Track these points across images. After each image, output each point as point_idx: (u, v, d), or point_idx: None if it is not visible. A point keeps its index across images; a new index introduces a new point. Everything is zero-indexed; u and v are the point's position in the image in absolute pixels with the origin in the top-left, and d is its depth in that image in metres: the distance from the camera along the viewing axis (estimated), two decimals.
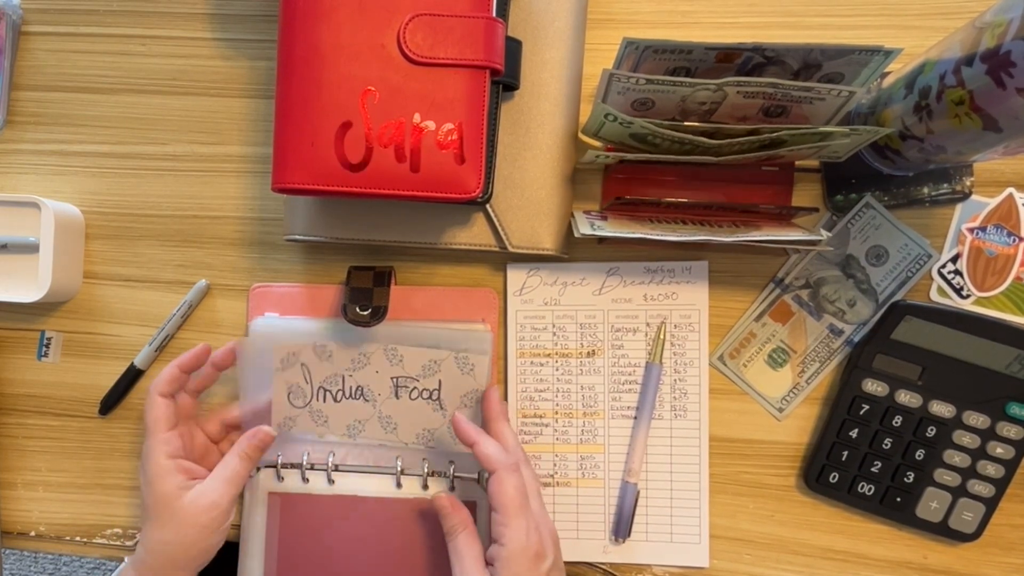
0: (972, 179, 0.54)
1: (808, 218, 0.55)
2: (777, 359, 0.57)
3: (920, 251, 0.55)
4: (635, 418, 0.57)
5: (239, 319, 0.60)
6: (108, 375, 0.60)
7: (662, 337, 0.57)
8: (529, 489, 0.49)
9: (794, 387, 0.57)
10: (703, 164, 0.55)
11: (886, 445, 0.54)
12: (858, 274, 0.56)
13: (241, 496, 0.57)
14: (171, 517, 0.49)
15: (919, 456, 0.54)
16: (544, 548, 0.47)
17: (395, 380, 0.57)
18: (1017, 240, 0.55)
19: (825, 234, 0.50)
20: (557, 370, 0.58)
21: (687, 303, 0.57)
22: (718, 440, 0.57)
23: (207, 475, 0.51)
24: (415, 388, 0.56)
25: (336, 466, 0.56)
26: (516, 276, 0.58)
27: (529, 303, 0.58)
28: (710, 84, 0.46)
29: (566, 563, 0.57)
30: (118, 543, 0.61)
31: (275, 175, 0.48)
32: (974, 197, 0.55)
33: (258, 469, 0.57)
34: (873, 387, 0.54)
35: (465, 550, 0.48)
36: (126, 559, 0.53)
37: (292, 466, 0.56)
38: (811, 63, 0.48)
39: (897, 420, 0.54)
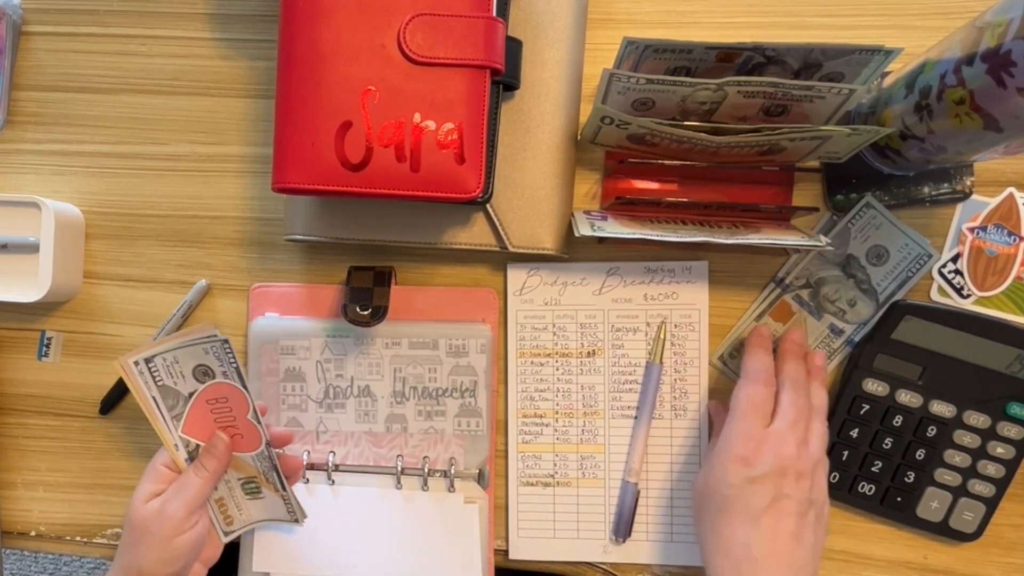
0: (973, 179, 0.54)
1: (808, 218, 0.55)
2: None
3: (920, 251, 0.55)
4: (635, 418, 0.57)
5: (239, 319, 0.59)
6: (108, 375, 0.60)
7: (662, 337, 0.57)
8: (785, 414, 0.48)
9: None
10: (703, 164, 0.55)
11: (886, 445, 0.54)
12: (858, 274, 0.56)
13: None
14: (129, 525, 0.49)
15: (919, 456, 0.54)
16: (755, 459, 0.47)
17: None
18: (1017, 240, 0.55)
19: (824, 240, 0.50)
20: (557, 370, 0.58)
21: (687, 303, 0.57)
22: None
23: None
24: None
25: (336, 466, 0.56)
26: (516, 276, 0.58)
27: (529, 303, 0.58)
28: (710, 84, 0.46)
29: (565, 563, 0.58)
30: (118, 543, 0.61)
31: (275, 175, 0.48)
32: (974, 197, 0.55)
33: None
34: (873, 387, 0.54)
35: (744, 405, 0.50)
36: None
37: None
38: (811, 63, 0.48)
39: (897, 420, 0.54)
